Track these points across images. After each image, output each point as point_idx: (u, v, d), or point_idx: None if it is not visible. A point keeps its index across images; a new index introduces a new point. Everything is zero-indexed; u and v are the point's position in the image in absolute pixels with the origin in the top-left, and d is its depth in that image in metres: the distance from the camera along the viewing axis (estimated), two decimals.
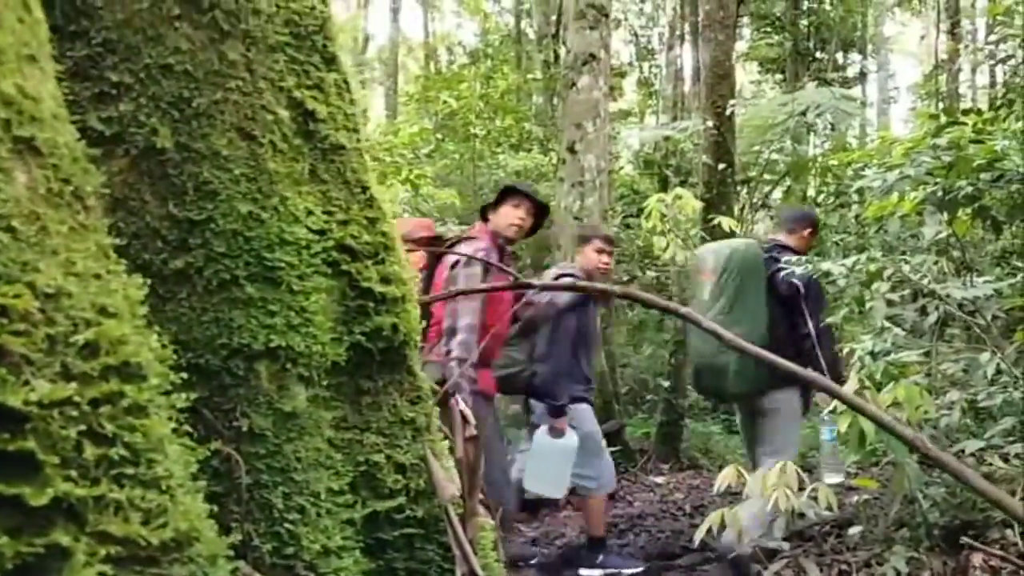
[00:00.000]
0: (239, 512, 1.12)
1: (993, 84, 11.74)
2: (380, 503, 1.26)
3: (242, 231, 1.16)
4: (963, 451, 3.17)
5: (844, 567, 3.45)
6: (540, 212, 3.68)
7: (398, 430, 1.30)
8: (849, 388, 2.91)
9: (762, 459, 3.97)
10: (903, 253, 3.88)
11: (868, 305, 3.44)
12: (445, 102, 11.09)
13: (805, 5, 13.69)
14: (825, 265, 3.62)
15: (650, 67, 14.95)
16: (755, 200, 9.49)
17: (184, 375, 0.98)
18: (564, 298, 3.88)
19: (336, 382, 1.26)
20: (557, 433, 3.87)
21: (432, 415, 1.37)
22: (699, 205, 6.96)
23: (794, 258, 3.88)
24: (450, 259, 3.43)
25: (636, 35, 15.09)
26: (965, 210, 3.46)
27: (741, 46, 14.08)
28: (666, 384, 7.23)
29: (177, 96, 1.15)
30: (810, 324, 3.84)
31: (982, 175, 3.28)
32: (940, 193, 3.34)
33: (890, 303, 3.42)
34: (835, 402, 3.18)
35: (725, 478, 3.25)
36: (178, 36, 1.15)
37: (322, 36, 1.29)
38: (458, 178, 11.05)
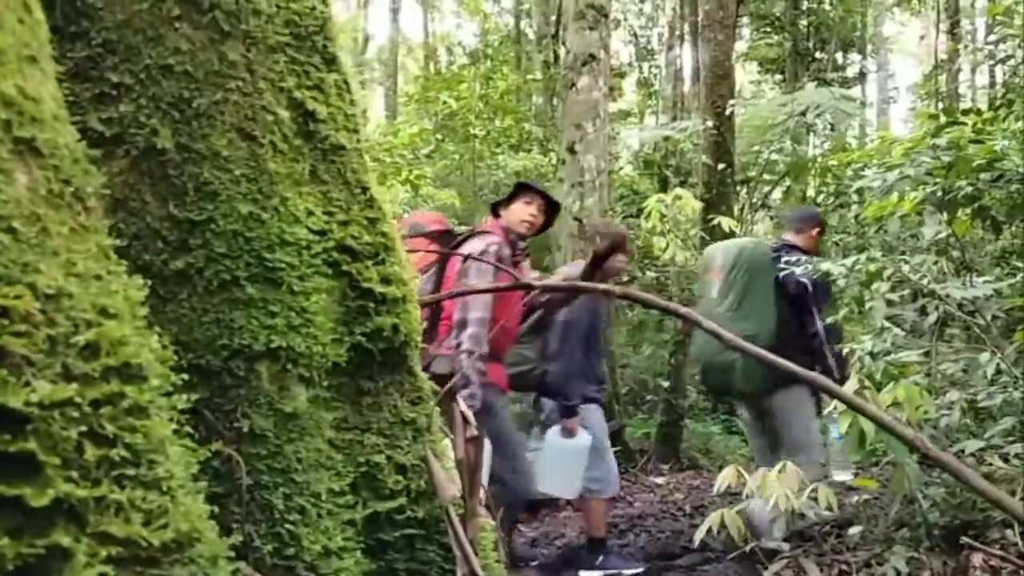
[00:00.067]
0: (240, 513, 1.11)
1: (993, 84, 11.75)
2: (381, 504, 1.26)
3: (243, 232, 1.16)
4: (963, 451, 3.17)
5: (844, 567, 3.45)
6: (551, 210, 3.70)
7: (399, 431, 1.30)
8: (849, 388, 2.92)
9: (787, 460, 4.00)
10: (903, 253, 3.89)
11: (868, 305, 3.44)
12: (445, 103, 11.09)
13: (805, 5, 13.70)
14: (825, 265, 3.62)
15: (650, 67, 14.96)
16: (755, 200, 9.49)
17: (185, 376, 0.98)
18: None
19: (337, 383, 1.26)
20: (569, 433, 3.87)
21: (433, 415, 1.37)
22: (699, 205, 6.97)
23: (803, 258, 3.90)
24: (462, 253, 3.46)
25: (636, 35, 15.10)
26: (965, 210, 3.47)
27: (741, 46, 14.09)
28: (666, 384, 7.23)
29: (177, 97, 1.15)
30: (819, 322, 3.86)
31: (982, 175, 3.28)
32: (940, 193, 3.35)
33: (890, 303, 3.42)
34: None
35: (725, 478, 3.25)
36: (178, 37, 1.15)
37: (322, 37, 1.29)
38: (458, 179, 11.06)
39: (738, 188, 9.19)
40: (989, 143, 3.29)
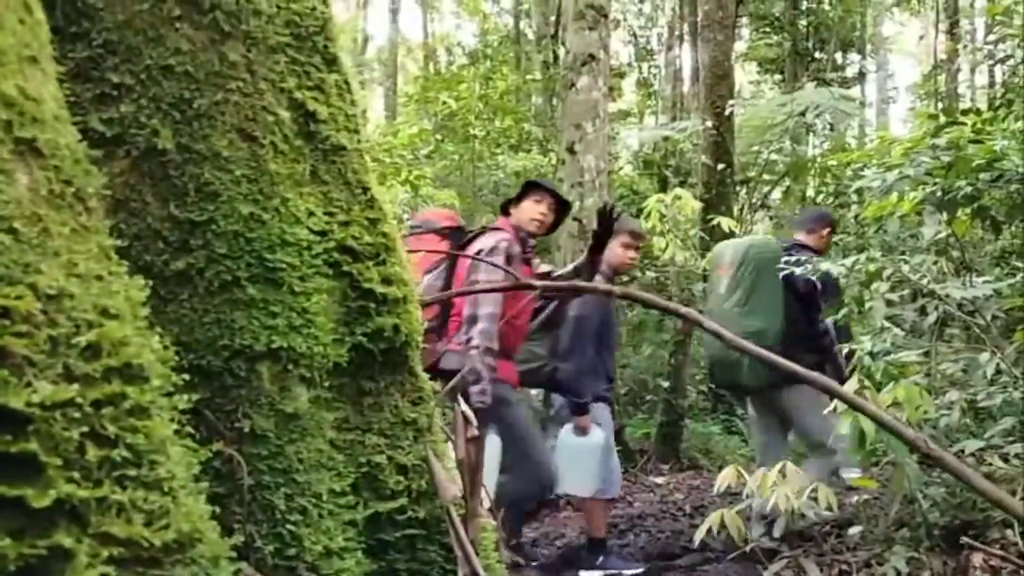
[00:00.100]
0: (241, 513, 1.11)
1: (992, 84, 11.74)
2: (382, 504, 1.26)
3: (243, 232, 1.16)
4: (963, 451, 3.17)
5: (844, 567, 3.45)
6: (561, 208, 3.70)
7: (400, 431, 1.30)
8: (849, 388, 2.91)
9: (809, 457, 4.01)
10: (902, 253, 3.89)
11: (868, 305, 3.44)
12: (444, 103, 11.09)
13: (804, 5, 13.70)
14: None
15: (649, 67, 14.95)
16: (754, 200, 9.49)
17: (186, 376, 0.98)
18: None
19: (338, 383, 1.26)
20: (581, 431, 3.87)
21: (434, 416, 1.37)
22: (698, 205, 6.98)
23: (815, 257, 3.91)
24: (472, 249, 3.47)
25: (635, 35, 15.09)
26: (964, 210, 3.47)
27: (740, 46, 14.09)
28: (666, 384, 7.24)
29: (178, 97, 1.15)
30: (828, 321, 3.88)
31: (981, 175, 3.28)
32: (939, 193, 3.35)
33: (889, 303, 3.42)
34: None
35: (725, 478, 3.25)
36: (179, 37, 1.15)
37: (323, 37, 1.29)
38: (457, 179, 11.05)
39: (738, 188, 9.20)
40: (989, 143, 3.29)
